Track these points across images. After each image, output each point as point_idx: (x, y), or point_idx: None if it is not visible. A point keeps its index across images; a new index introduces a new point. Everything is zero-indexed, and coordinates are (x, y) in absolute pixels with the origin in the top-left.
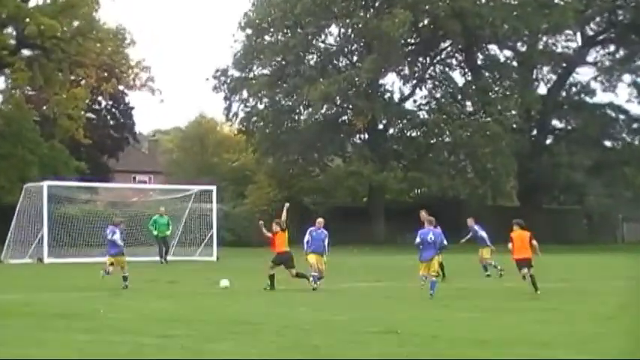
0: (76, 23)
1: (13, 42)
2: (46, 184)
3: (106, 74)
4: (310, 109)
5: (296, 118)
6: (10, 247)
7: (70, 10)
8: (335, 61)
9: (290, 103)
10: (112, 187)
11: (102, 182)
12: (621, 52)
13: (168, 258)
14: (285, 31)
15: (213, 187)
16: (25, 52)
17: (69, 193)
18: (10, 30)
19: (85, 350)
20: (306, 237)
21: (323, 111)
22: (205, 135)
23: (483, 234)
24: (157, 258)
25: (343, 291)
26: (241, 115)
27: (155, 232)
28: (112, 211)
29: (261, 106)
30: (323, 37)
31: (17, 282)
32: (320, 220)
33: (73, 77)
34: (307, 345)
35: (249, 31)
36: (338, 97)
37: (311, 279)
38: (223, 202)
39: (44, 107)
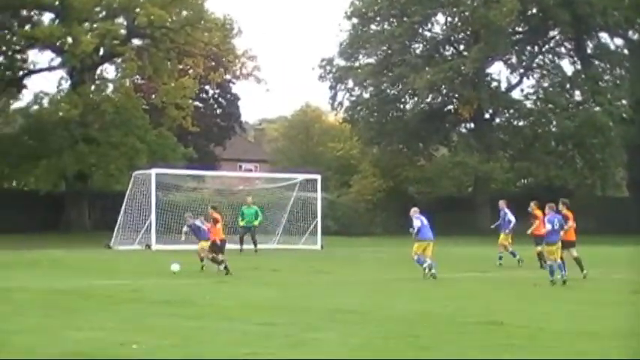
0: (184, 13)
1: (123, 32)
2: (154, 171)
3: (213, 64)
4: (416, 98)
5: (401, 107)
6: (120, 234)
7: (179, 1)
8: (441, 50)
9: (395, 92)
10: (219, 175)
11: (208, 170)
12: None
13: (258, 247)
14: (391, 19)
15: (318, 176)
16: (135, 42)
17: (176, 180)
18: (120, 20)
19: (191, 337)
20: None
21: (428, 100)
22: (310, 124)
23: (512, 219)
24: (252, 246)
25: (448, 281)
26: (346, 104)
27: (242, 223)
28: (217, 199)
29: (366, 95)
30: (429, 25)
31: (126, 268)
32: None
33: (181, 67)
34: (410, 335)
35: (355, 20)
36: (444, 86)
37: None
38: (328, 191)
39: (153, 96)
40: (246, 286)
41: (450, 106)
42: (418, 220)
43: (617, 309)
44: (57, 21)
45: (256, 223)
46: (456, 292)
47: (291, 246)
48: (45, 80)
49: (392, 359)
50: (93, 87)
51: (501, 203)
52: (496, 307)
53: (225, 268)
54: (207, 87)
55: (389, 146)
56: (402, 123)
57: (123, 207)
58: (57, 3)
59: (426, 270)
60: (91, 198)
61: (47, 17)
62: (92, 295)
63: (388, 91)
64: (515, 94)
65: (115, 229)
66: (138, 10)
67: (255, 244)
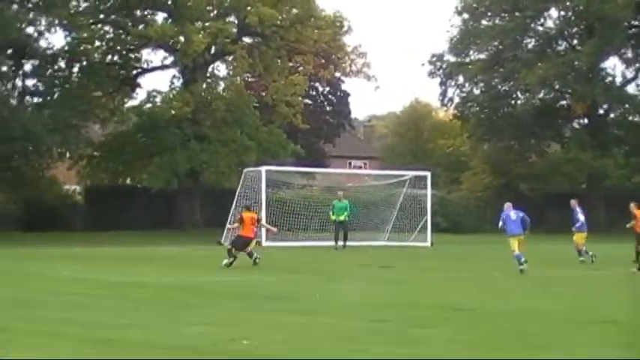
0: (294, 11)
1: (234, 30)
2: (264, 169)
3: (323, 61)
4: (527, 94)
5: (512, 103)
6: (230, 231)
7: None
8: (554, 45)
9: (506, 88)
10: (328, 172)
11: (318, 167)
12: None
13: (347, 243)
14: (503, 14)
15: (428, 173)
16: (246, 40)
17: (286, 177)
18: (232, 19)
19: (301, 332)
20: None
21: (540, 96)
22: (420, 120)
23: (581, 218)
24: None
25: (558, 279)
26: (456, 100)
27: (333, 217)
28: (327, 196)
29: (476, 91)
30: (542, 20)
31: (237, 264)
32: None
33: (291, 64)
34: (522, 333)
35: (465, 15)
36: (556, 82)
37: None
38: (438, 187)
39: (263, 93)
40: (356, 283)
41: (563, 102)
42: (504, 215)
43: None
44: (169, 20)
45: (342, 217)
46: (567, 290)
47: (401, 243)
48: (158, 79)
49: (503, 358)
50: (204, 85)
51: (573, 202)
52: (609, 305)
53: (230, 264)
54: (317, 84)
55: (499, 142)
56: (513, 119)
57: (233, 204)
58: (170, 3)
59: (522, 265)
60: (203, 195)
61: (160, 17)
62: (203, 290)
63: (499, 87)
64: (631, 88)
65: (226, 226)
66: (249, 8)
67: (345, 238)
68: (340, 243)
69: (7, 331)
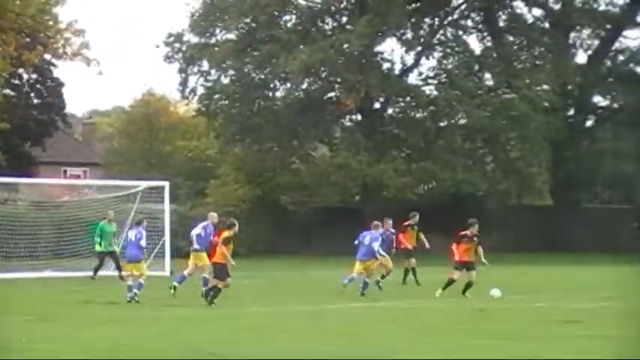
0: None
1: None
2: None
3: (28, 40)
4: (288, 84)
5: (270, 95)
6: None
7: None
8: (319, 24)
9: (262, 77)
10: (37, 183)
11: (23, 177)
12: None
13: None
14: None
15: (166, 183)
16: None
17: None
18: None
19: None
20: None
21: (304, 86)
22: (155, 117)
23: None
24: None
25: (328, 313)
26: (200, 91)
27: (100, 246)
28: (36, 213)
29: (225, 80)
30: None
31: None
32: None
33: None
34: None
35: None
36: (323, 69)
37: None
38: (178, 201)
39: None
40: (75, 324)
41: (332, 94)
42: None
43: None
44: None
45: (114, 247)
46: (347, 329)
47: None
48: None
49: None
50: None
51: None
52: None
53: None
54: (20, 70)
55: (255, 144)
56: (271, 115)
57: None
58: None
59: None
60: None
61: None
62: None
63: (253, 74)
64: (412, 78)
65: None
66: None
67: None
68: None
69: None
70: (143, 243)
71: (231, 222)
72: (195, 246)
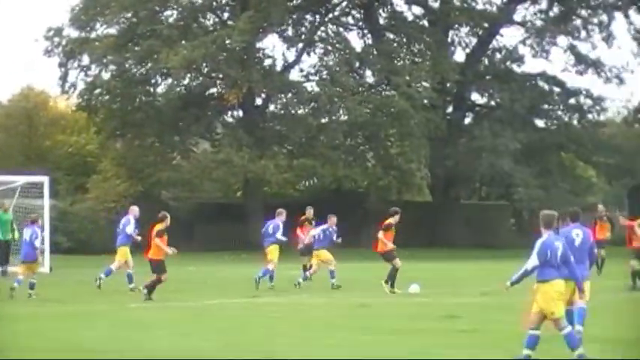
0: None
1: None
2: None
3: None
4: (169, 80)
5: (151, 90)
6: None
7: None
8: (201, 19)
9: (143, 72)
10: None
11: None
12: (555, 10)
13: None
14: None
15: (45, 178)
16: None
17: None
18: None
19: None
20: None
21: (186, 82)
22: (34, 112)
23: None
24: None
25: (215, 310)
26: (81, 86)
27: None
28: None
29: (106, 75)
30: None
31: None
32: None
33: None
34: None
35: None
36: (205, 65)
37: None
38: (59, 197)
39: None
40: None
41: (214, 90)
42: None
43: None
44: None
45: (17, 235)
46: (225, 323)
47: (10, 267)
48: None
49: None
50: None
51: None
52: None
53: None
54: None
55: (136, 140)
56: (152, 111)
57: None
58: None
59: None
60: None
61: None
62: None
63: (134, 70)
64: (294, 74)
65: None
66: None
67: (7, 262)
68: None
69: None
70: (38, 243)
71: (163, 215)
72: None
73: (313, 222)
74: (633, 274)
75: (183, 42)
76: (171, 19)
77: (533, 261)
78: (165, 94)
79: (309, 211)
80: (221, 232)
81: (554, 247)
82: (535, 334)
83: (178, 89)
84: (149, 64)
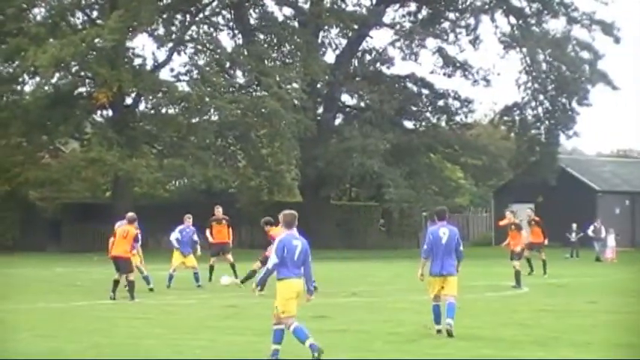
0: None
1: None
2: None
3: None
4: (37, 78)
5: (19, 89)
6: None
7: None
8: (70, 17)
9: (11, 70)
10: None
11: None
12: (424, 12)
13: None
14: None
15: None
16: None
17: None
18: None
19: None
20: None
21: (54, 81)
22: None
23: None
24: None
25: (77, 310)
26: None
27: None
28: None
29: None
30: None
31: None
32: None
33: None
34: None
35: None
36: (74, 64)
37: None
38: None
39: None
40: None
41: (83, 89)
42: None
43: None
44: None
45: None
46: (94, 327)
47: None
48: None
49: None
50: None
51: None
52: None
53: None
54: None
55: (3, 139)
56: (20, 110)
57: None
58: None
59: None
60: None
61: None
62: None
63: (1, 68)
64: (164, 73)
65: None
66: None
67: None
68: None
69: None
70: None
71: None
72: None
73: (224, 220)
74: (516, 275)
75: (51, 40)
76: (39, 17)
77: (273, 259)
78: (33, 93)
79: (218, 210)
80: (89, 232)
81: (291, 246)
82: (280, 329)
83: (46, 88)
84: (16, 63)
